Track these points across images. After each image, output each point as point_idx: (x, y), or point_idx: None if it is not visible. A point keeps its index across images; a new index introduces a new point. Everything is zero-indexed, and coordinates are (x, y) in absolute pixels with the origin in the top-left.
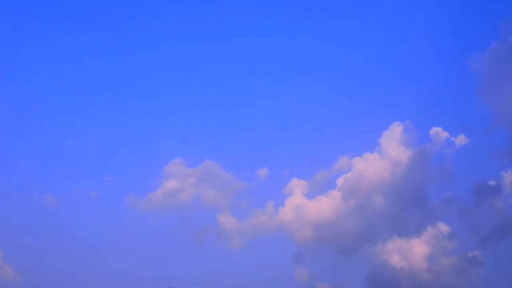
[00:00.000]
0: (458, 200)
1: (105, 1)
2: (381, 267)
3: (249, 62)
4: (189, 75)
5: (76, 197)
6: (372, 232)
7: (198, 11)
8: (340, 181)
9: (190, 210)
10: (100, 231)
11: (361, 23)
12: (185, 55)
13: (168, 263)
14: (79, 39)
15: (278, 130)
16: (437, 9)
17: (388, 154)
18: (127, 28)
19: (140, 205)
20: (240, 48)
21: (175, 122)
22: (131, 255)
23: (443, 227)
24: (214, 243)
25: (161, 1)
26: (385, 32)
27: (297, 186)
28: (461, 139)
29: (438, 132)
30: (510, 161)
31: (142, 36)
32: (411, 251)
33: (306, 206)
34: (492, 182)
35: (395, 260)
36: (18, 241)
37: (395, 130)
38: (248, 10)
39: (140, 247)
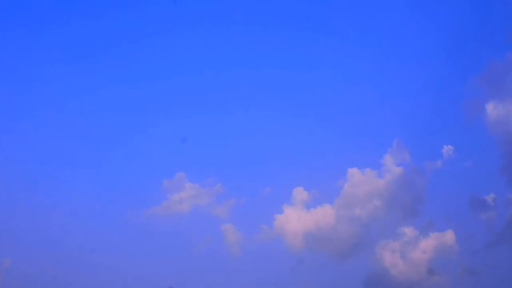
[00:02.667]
0: (455, 212)
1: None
2: (378, 275)
3: (258, 89)
4: (195, 99)
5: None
6: (368, 241)
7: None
8: (340, 191)
9: (193, 221)
10: (103, 238)
11: (360, 46)
12: (192, 82)
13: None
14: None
15: (282, 146)
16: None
17: (389, 169)
18: (130, 55)
19: (144, 216)
20: (247, 75)
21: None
22: (133, 259)
23: (440, 237)
24: (215, 251)
25: (163, 32)
26: (383, 50)
27: (299, 196)
28: (458, 157)
29: (435, 149)
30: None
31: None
32: (408, 259)
33: (306, 215)
34: (487, 197)
35: (392, 267)
36: (24, 251)
37: (397, 148)
38: (251, 39)
39: (143, 252)
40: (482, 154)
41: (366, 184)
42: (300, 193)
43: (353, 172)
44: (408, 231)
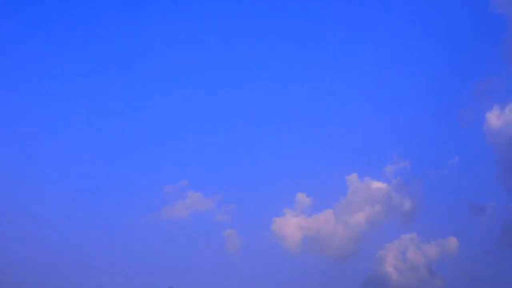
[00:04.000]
0: (453, 218)
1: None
2: (376, 278)
3: (261, 93)
4: (198, 102)
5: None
6: (369, 246)
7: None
8: (342, 198)
9: (194, 226)
10: (107, 238)
11: (361, 55)
12: (193, 87)
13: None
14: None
15: (285, 153)
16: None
17: (389, 177)
18: (136, 59)
19: (145, 220)
20: (249, 81)
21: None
22: (135, 261)
23: (439, 243)
24: (217, 255)
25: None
26: (383, 57)
27: (301, 201)
28: (457, 165)
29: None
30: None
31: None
32: (407, 263)
33: (307, 219)
34: (485, 204)
35: (391, 271)
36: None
37: (398, 156)
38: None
39: (145, 254)
40: (480, 162)
41: (366, 191)
42: (302, 198)
43: (354, 180)
44: (408, 236)
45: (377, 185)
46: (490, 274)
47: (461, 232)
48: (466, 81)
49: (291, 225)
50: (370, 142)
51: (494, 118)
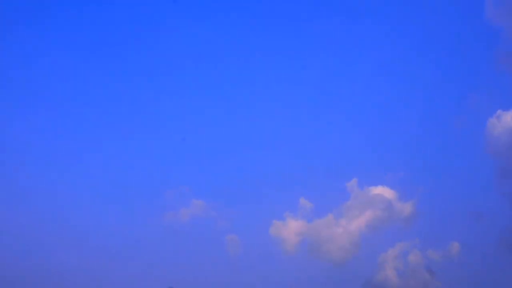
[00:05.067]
0: (452, 223)
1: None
2: (375, 281)
3: (263, 94)
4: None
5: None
6: (367, 250)
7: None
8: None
9: (198, 230)
10: (109, 240)
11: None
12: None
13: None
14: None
15: (286, 158)
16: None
17: (389, 183)
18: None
19: (148, 223)
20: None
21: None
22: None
23: (437, 247)
24: (218, 259)
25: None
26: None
27: (302, 206)
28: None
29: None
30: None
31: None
32: (408, 267)
33: (307, 224)
34: (483, 208)
35: (391, 274)
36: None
37: (396, 163)
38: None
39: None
40: (479, 168)
41: (367, 197)
42: (305, 204)
43: (354, 185)
44: (409, 241)
45: (378, 191)
46: (490, 277)
47: (462, 237)
48: (467, 88)
49: (290, 229)
50: (370, 148)
51: (494, 125)
